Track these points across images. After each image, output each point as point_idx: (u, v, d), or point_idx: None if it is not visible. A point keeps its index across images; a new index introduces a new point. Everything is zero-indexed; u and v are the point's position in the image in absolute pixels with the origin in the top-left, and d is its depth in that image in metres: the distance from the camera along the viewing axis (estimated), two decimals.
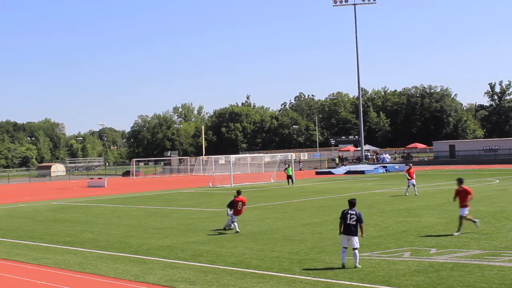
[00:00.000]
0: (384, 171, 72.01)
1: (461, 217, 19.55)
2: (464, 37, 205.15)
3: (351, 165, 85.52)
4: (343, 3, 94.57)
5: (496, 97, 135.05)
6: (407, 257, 15.56)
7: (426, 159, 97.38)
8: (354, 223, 14.65)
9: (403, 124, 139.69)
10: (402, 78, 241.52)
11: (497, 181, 46.59)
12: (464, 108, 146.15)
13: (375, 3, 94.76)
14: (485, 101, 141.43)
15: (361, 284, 12.73)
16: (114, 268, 15.73)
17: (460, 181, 20.23)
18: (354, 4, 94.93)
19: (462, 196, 19.81)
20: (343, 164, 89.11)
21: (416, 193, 34.88)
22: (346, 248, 14.61)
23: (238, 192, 22.87)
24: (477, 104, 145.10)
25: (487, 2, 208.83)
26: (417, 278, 13.06)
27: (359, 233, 14.72)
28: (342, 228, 14.83)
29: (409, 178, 35.46)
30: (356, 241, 14.54)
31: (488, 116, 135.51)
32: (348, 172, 71.40)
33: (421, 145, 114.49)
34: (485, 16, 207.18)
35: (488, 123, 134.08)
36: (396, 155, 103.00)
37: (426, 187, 42.06)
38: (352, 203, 15.05)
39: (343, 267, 14.41)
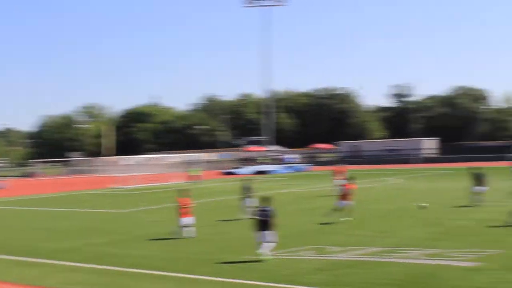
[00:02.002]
0: (291, 171, 73.05)
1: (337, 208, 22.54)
2: (369, 39, 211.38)
3: (258, 165, 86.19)
4: (253, 3, 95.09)
5: (397, 99, 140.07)
6: (311, 256, 15.83)
7: (331, 159, 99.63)
8: (267, 219, 15.24)
9: (310, 125, 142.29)
10: (310, 80, 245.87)
11: (398, 180, 48.27)
12: (367, 110, 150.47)
13: (286, 4, 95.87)
14: (387, 103, 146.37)
15: (264, 284, 12.83)
16: (12, 272, 15.10)
17: (350, 178, 22.24)
18: (264, 6, 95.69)
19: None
20: (249, 164, 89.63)
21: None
22: (263, 242, 15.18)
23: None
24: (379, 105, 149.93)
25: (389, 3, 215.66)
26: (320, 276, 13.32)
27: (271, 229, 15.40)
28: (256, 224, 15.45)
29: (336, 178, 35.80)
30: (268, 235, 15.24)
31: (390, 117, 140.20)
32: (254, 172, 71.89)
33: (326, 146, 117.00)
34: (390, 18, 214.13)
35: (390, 124, 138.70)
36: (302, 155, 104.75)
37: (331, 186, 43.01)
38: (264, 200, 15.80)
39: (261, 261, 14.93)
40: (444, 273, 13.26)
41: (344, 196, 22.79)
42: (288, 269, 14.17)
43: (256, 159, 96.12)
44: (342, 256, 15.58)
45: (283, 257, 15.69)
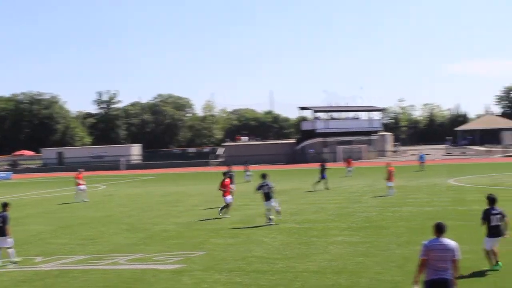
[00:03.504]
0: None
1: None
2: (74, 46, 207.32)
3: None
4: None
5: (103, 106, 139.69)
6: (11, 268, 14.98)
7: (35, 166, 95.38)
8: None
9: (11, 131, 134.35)
10: (11, 84, 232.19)
11: (104, 186, 48.11)
12: (73, 116, 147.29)
13: None
14: (94, 109, 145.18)
15: None
16: None
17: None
18: None
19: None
20: None
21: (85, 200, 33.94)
22: None
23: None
24: (85, 111, 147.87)
25: (193, 9, 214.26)
26: None
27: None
28: None
29: (78, 184, 34.04)
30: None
31: (96, 124, 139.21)
32: None
33: (29, 152, 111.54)
34: (115, 25, 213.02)
35: (96, 131, 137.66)
36: (3, 162, 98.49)
37: (38, 194, 41.21)
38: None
39: None
40: (151, 277, 13.60)
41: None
42: None
43: None
44: (47, 266, 15.04)
45: None
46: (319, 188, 35.36)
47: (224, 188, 24.43)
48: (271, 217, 21.38)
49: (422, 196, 29.31)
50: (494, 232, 13.02)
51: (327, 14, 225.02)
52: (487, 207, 13.27)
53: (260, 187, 21.87)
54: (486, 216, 13.09)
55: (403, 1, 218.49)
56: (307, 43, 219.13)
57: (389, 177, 30.59)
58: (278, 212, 22.05)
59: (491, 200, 13.25)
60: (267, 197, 21.58)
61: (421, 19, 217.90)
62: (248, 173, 46.42)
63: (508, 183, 34.89)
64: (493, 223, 13.01)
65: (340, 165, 58.19)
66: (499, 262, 13.03)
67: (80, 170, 36.40)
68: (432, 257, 8.81)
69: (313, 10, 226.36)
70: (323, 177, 35.94)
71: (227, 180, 24.95)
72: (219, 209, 24.46)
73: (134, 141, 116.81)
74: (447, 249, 8.82)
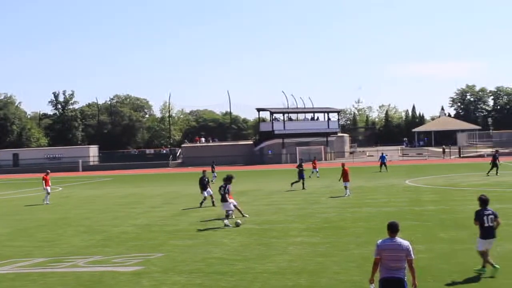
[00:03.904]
0: None
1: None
2: (28, 46, 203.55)
3: None
4: None
5: (60, 106, 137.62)
6: None
7: None
8: None
9: None
10: None
11: (61, 188, 47.46)
12: (29, 117, 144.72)
13: None
14: (49, 110, 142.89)
15: None
16: None
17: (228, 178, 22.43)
18: None
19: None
20: None
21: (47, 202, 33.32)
22: None
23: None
24: (41, 112, 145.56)
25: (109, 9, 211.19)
26: None
27: None
28: None
29: (46, 185, 33.44)
30: None
31: (53, 125, 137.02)
32: None
33: None
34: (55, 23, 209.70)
35: (53, 132, 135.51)
36: None
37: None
38: None
39: None
40: (110, 279, 13.49)
41: None
42: None
43: None
44: (3, 270, 14.79)
45: None
46: (298, 187, 36.11)
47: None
48: (225, 221, 21.29)
49: (380, 197, 29.73)
50: (488, 233, 12.72)
51: (283, 15, 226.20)
52: (478, 208, 12.93)
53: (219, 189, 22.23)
54: (479, 217, 12.78)
55: (361, 1, 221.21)
56: (266, 44, 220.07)
57: (345, 177, 31.02)
58: (227, 216, 21.79)
59: (483, 201, 12.92)
60: (222, 199, 21.95)
61: (377, 20, 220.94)
62: (214, 174, 46.52)
63: (463, 183, 35.65)
64: (487, 224, 12.71)
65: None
66: (485, 267, 12.79)
67: (48, 171, 35.99)
68: (385, 256, 8.95)
69: (270, 11, 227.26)
70: (301, 177, 36.74)
71: None
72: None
73: (91, 142, 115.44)
74: (399, 248, 8.94)
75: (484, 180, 37.21)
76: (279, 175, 54.13)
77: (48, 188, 33.70)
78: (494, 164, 41.35)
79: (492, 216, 12.71)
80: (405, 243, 9.03)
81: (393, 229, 9.11)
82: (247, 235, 19.13)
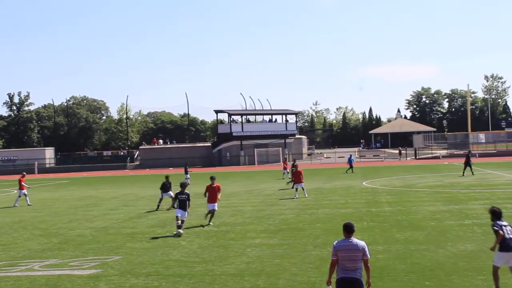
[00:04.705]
0: None
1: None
2: None
3: None
4: None
5: (15, 108, 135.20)
6: None
7: None
8: None
9: None
10: None
11: (16, 191, 46.54)
12: None
13: None
14: (4, 112, 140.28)
15: None
16: None
17: (212, 178, 22.41)
18: None
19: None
20: None
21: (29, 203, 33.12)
22: None
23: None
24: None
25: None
26: None
27: None
28: None
29: (22, 187, 33.65)
30: None
31: (7, 127, 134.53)
32: None
33: None
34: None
35: (7, 134, 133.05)
36: None
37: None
38: None
39: None
40: (67, 283, 13.31)
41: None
42: None
43: None
44: None
45: None
46: (289, 186, 37.08)
47: (211, 195, 22.33)
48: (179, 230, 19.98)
49: (337, 198, 30.00)
50: (509, 246, 10.92)
51: (242, 17, 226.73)
52: (493, 220, 11.26)
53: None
54: (501, 228, 11.01)
55: (317, 2, 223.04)
56: (224, 46, 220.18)
57: (297, 179, 31.27)
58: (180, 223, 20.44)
59: (497, 213, 11.31)
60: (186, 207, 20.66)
61: (334, 23, 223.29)
62: (187, 176, 46.16)
63: (419, 184, 36.24)
64: (508, 236, 10.95)
65: (256, 168, 58.74)
66: None
67: (23, 173, 35.99)
68: (341, 256, 9.06)
69: (228, 14, 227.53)
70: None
71: (216, 185, 22.68)
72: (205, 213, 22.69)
73: (47, 144, 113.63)
74: (355, 248, 9.06)
75: (438, 181, 37.88)
76: (237, 177, 54.20)
77: (25, 190, 33.72)
78: (468, 164, 42.24)
79: (509, 227, 11.12)
80: (361, 243, 9.15)
81: (348, 229, 9.23)
82: (206, 237, 19.10)
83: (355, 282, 8.99)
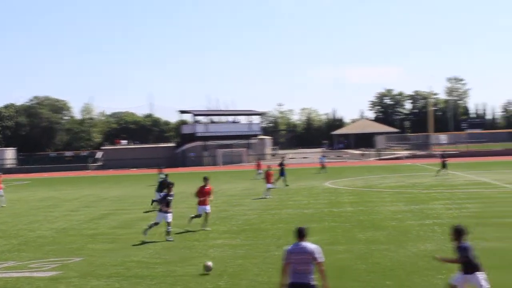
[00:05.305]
0: None
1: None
2: None
3: None
4: None
5: None
6: None
7: None
8: None
9: None
10: None
11: None
12: None
13: None
14: None
15: None
16: None
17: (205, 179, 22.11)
18: None
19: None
20: None
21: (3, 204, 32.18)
22: None
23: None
24: None
25: None
26: None
27: None
28: None
29: None
30: None
31: None
32: None
33: None
34: None
35: None
36: None
37: None
38: None
39: None
40: (26, 285, 13.13)
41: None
42: None
43: None
44: None
45: None
46: (280, 185, 37.28)
47: (203, 197, 21.53)
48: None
49: (300, 199, 30.14)
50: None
51: (205, 17, 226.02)
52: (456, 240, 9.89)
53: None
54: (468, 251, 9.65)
55: (280, 2, 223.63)
56: (188, 46, 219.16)
57: (268, 179, 31.92)
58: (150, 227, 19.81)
59: (461, 231, 9.84)
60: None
61: (296, 23, 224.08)
62: (161, 175, 45.32)
63: (381, 185, 36.64)
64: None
65: (220, 168, 58.70)
66: None
67: (0, 173, 35.16)
68: (293, 260, 9.12)
69: (191, 13, 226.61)
70: (282, 175, 38.62)
71: (208, 187, 21.99)
72: (191, 216, 21.83)
73: (8, 145, 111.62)
74: (305, 252, 9.12)
75: (400, 182, 38.34)
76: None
77: (1, 191, 32.81)
78: (443, 164, 42.80)
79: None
80: (311, 246, 9.21)
81: (300, 233, 9.34)
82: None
83: (306, 286, 9.04)
